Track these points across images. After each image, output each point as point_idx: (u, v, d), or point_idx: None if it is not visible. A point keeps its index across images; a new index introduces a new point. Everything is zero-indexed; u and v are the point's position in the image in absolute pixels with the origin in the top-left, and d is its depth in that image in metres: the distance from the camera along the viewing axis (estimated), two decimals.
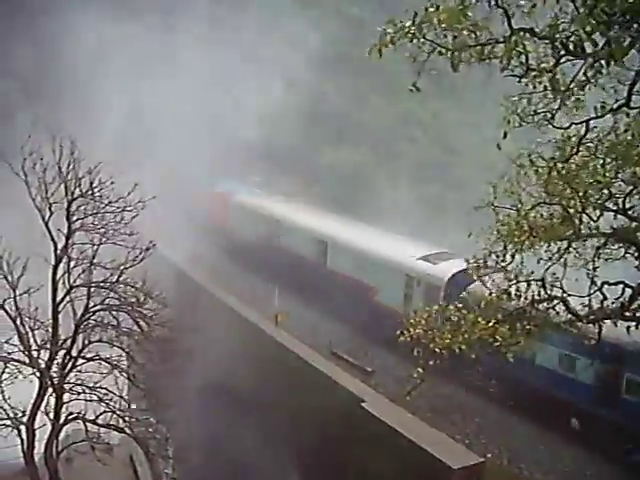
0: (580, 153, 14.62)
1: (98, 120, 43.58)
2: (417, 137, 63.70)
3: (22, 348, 22.16)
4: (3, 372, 21.86)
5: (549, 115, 13.25)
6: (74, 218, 22.33)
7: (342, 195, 54.22)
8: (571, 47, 11.29)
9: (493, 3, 11.54)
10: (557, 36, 11.43)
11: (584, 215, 15.80)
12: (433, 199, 56.37)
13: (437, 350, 16.67)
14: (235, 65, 49.74)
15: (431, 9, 11.38)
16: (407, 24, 11.38)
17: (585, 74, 11.72)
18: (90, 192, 22.24)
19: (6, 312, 22.03)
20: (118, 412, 22.75)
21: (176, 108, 43.47)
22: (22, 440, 22.50)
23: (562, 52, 11.56)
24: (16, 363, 22.11)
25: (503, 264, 16.64)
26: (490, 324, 15.82)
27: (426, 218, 49.57)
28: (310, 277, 35.05)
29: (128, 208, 22.65)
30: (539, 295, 16.43)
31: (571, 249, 16.35)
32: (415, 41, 11.52)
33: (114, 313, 22.80)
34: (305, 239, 36.83)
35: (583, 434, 22.78)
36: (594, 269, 16.14)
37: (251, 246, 41.31)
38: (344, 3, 70.35)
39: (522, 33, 11.42)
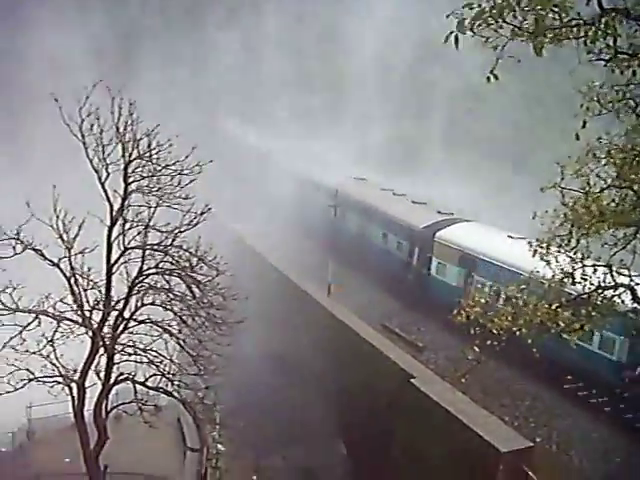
0: None
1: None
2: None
3: (75, 307, 22.23)
4: (56, 331, 21.91)
5: (633, 103, 12.66)
6: (130, 180, 22.19)
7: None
8: None
9: None
10: None
11: None
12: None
13: (495, 331, 16.38)
14: None
15: None
16: (485, 7, 10.81)
17: None
18: (147, 154, 22.10)
19: (61, 271, 22.05)
20: (167, 375, 22.88)
21: None
22: (73, 397, 22.75)
23: None
24: (69, 322, 22.21)
25: (567, 248, 16.25)
26: (552, 308, 15.50)
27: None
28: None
29: (185, 171, 22.51)
30: (604, 281, 16.04)
31: (639, 235, 15.87)
32: (493, 25, 10.98)
33: (167, 277, 22.80)
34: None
35: None
36: None
37: None
38: None
39: (614, 14, 10.87)
